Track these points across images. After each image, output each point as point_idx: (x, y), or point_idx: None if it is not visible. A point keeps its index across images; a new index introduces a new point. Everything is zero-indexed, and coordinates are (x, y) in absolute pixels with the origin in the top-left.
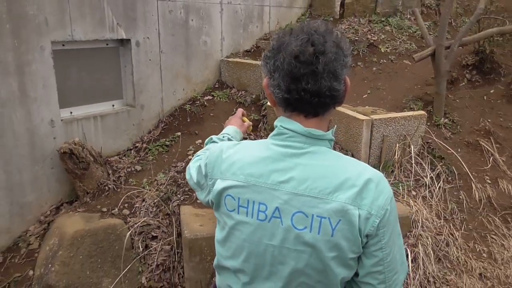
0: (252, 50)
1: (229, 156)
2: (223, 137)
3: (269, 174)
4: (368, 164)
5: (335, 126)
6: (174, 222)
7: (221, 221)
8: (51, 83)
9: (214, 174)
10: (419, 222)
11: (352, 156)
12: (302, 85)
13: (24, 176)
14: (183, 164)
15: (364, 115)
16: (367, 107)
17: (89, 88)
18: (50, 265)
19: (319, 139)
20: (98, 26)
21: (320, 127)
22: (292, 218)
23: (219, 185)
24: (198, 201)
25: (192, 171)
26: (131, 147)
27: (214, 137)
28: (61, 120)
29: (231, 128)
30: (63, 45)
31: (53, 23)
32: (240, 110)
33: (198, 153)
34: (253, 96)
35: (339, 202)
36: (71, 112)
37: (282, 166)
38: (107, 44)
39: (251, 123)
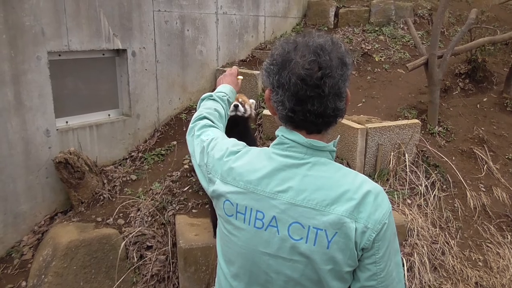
0: (248, 59)
1: (229, 160)
2: (223, 96)
3: (268, 182)
4: (364, 172)
5: (338, 136)
6: (169, 231)
7: (220, 224)
8: (47, 92)
9: (215, 172)
10: (414, 231)
11: (348, 164)
12: (308, 106)
13: (19, 185)
14: (179, 173)
15: (359, 124)
16: (362, 115)
17: (85, 98)
18: (43, 276)
19: (320, 150)
20: (94, 36)
21: (321, 140)
22: (289, 228)
23: (219, 187)
24: (193, 210)
25: (195, 143)
26: (127, 156)
27: (214, 94)
28: (57, 129)
29: (228, 87)
30: (60, 55)
31: (49, 33)
32: (235, 68)
33: (202, 112)
34: None
35: (336, 215)
36: (66, 122)
37: (282, 176)
38: (103, 54)
39: (241, 77)
